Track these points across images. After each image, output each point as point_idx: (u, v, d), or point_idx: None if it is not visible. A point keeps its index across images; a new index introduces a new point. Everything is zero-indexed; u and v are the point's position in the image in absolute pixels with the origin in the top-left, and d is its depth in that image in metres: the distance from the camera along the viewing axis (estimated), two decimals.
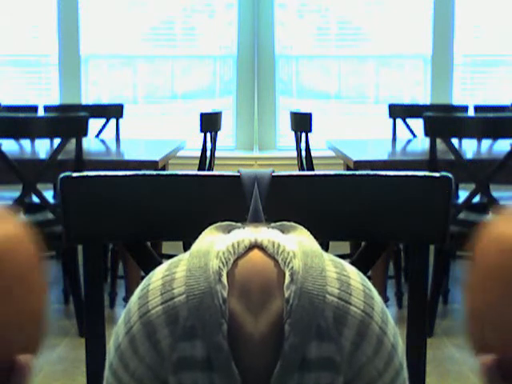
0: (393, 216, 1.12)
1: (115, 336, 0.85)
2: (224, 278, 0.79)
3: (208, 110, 5.13)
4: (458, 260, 4.82)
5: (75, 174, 1.12)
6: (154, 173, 1.13)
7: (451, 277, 4.36)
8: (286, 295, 0.78)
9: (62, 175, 1.12)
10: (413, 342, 1.15)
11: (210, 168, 4.17)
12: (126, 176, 1.12)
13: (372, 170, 3.19)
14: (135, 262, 1.15)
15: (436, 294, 3.31)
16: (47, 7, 5.34)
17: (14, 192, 3.84)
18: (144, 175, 1.12)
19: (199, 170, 4.00)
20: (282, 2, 5.38)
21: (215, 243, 0.83)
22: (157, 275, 0.84)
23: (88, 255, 1.14)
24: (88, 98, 5.43)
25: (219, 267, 0.79)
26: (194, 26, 5.40)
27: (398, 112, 4.61)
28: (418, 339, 1.15)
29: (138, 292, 0.85)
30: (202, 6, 5.38)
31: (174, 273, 0.82)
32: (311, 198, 1.12)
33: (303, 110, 4.74)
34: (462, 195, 4.02)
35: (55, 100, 5.38)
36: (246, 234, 0.83)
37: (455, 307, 3.82)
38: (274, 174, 1.11)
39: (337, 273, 0.82)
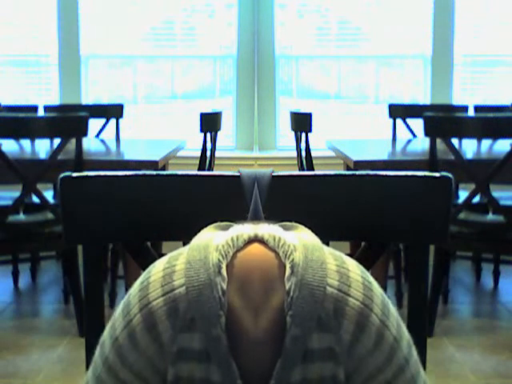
0: (393, 216, 1.12)
1: (111, 330, 0.84)
2: (223, 271, 0.79)
3: (208, 110, 5.13)
4: (458, 260, 4.82)
5: (75, 174, 1.12)
6: (154, 173, 1.12)
7: (451, 277, 4.36)
8: (287, 287, 0.78)
9: (61, 175, 1.12)
10: (413, 342, 1.15)
11: (210, 168, 4.17)
12: (126, 176, 1.12)
13: (372, 170, 3.18)
14: (135, 262, 1.15)
15: (436, 294, 3.31)
16: (47, 7, 5.34)
17: (14, 192, 3.84)
18: (144, 175, 1.12)
19: (199, 169, 3.99)
20: (281, 2, 5.37)
21: (214, 238, 0.83)
22: (157, 268, 0.84)
23: (88, 255, 1.14)
24: (88, 98, 5.42)
25: (219, 260, 0.80)
26: (193, 26, 5.40)
27: (398, 112, 4.62)
28: (418, 339, 1.14)
29: (137, 285, 0.85)
30: (202, 6, 5.38)
31: (174, 265, 0.82)
32: (311, 197, 1.12)
33: (303, 110, 4.73)
34: (462, 195, 4.02)
35: (55, 100, 5.38)
36: (246, 228, 0.84)
37: (455, 307, 3.82)
38: (274, 174, 1.11)
39: (337, 265, 0.82)
